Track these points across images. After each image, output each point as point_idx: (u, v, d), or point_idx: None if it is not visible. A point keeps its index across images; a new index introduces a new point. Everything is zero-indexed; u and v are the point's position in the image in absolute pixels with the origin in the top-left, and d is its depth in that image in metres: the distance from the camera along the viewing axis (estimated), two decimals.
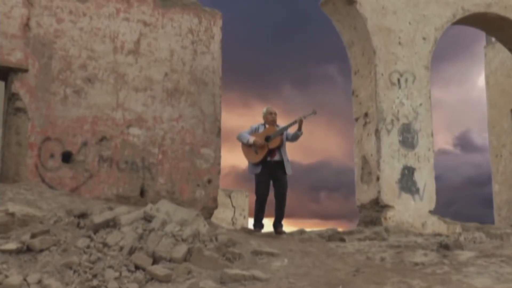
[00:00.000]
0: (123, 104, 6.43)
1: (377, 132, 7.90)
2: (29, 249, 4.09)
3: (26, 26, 5.99)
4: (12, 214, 4.49)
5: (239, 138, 6.48)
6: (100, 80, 6.33)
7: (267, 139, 6.32)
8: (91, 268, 3.90)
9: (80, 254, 4.06)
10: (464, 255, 4.98)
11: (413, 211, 7.88)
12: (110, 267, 3.94)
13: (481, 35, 11.79)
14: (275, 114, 6.60)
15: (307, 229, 7.13)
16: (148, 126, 6.55)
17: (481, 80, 26.80)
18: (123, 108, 6.42)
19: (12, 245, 4.05)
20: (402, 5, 8.27)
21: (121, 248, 4.21)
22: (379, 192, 7.75)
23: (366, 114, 8.20)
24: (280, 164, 6.32)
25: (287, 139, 6.53)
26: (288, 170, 6.35)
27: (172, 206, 4.97)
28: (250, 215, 14.28)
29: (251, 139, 6.36)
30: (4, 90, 6.40)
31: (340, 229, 7.31)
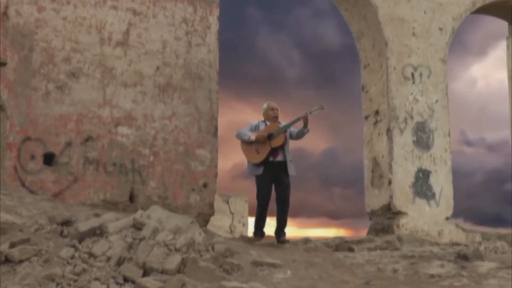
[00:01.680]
0: (111, 100, 6.43)
1: (389, 131, 7.91)
2: (7, 260, 4.08)
3: (4, 15, 5.99)
4: None
5: (239, 135, 6.48)
6: (86, 74, 6.33)
7: (269, 137, 6.32)
8: (75, 281, 3.89)
9: (63, 265, 4.06)
10: (485, 266, 4.98)
11: (428, 218, 7.89)
12: (97, 279, 3.94)
13: (471, 23, 11.76)
14: (277, 109, 6.59)
15: (312, 236, 7.13)
16: (138, 124, 6.55)
17: (472, 74, 26.80)
18: (111, 105, 6.42)
19: None
20: None
21: (109, 259, 4.21)
22: (391, 197, 7.76)
23: (377, 112, 8.22)
24: (283, 164, 6.32)
25: (291, 137, 6.53)
26: (291, 171, 6.34)
27: (164, 212, 4.97)
28: (251, 214, 14.19)
29: (253, 136, 6.36)
30: None
31: (347, 237, 7.31)
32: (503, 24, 9.84)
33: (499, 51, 24.54)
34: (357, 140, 8.65)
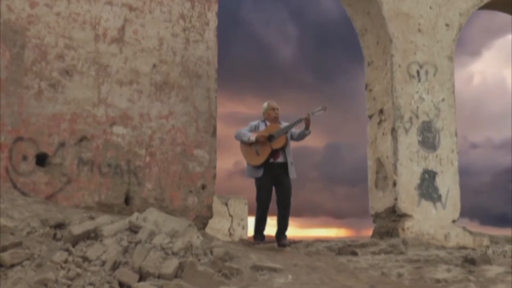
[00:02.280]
0: (106, 99, 6.42)
1: (393, 131, 7.91)
2: None
3: None
4: None
5: (238, 136, 6.49)
6: (80, 72, 6.33)
7: (270, 138, 6.32)
8: (69, 286, 3.89)
9: (56, 270, 4.05)
10: (493, 270, 4.98)
11: (434, 221, 7.89)
12: (91, 284, 3.94)
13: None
14: (278, 109, 6.60)
15: (312, 236, 7.14)
16: (134, 124, 6.55)
17: (467, 72, 26.87)
18: (106, 104, 6.42)
19: None
20: None
21: (103, 263, 4.21)
22: (395, 199, 7.76)
23: (381, 111, 8.22)
24: (284, 166, 6.32)
25: (292, 139, 6.54)
26: (292, 174, 6.35)
27: (161, 215, 4.97)
28: (251, 215, 14.07)
29: (253, 136, 6.36)
30: None
31: (351, 240, 7.31)
32: (498, 22, 9.83)
33: (494, 51, 24.63)
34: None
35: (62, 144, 6.12)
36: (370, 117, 8.48)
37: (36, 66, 6.11)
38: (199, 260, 4.45)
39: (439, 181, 8.02)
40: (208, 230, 7.04)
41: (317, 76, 26.86)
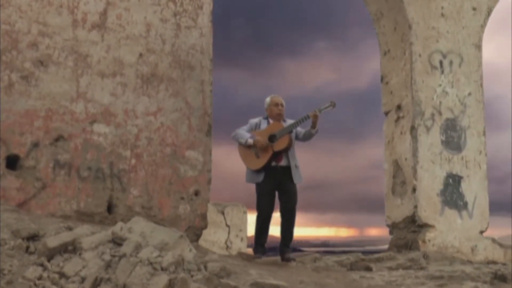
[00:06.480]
0: (85, 93, 6.44)
1: (413, 129, 7.92)
2: None
3: None
4: None
5: (235, 137, 6.50)
6: (56, 62, 6.34)
7: (272, 138, 6.32)
8: None
9: (29, 287, 4.06)
10: None
11: (459, 232, 7.90)
12: None
13: None
14: (282, 105, 6.59)
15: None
16: (118, 122, 6.56)
17: None
18: (85, 98, 6.43)
19: None
20: None
21: (83, 280, 4.21)
22: (415, 207, 7.77)
23: (399, 107, 8.23)
24: (287, 170, 6.33)
25: (297, 138, 6.53)
26: (297, 179, 6.35)
27: (148, 225, 4.97)
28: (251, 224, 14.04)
29: (250, 139, 6.37)
30: None
31: (363, 254, 7.33)
32: None
33: None
34: None
35: (35, 145, 6.13)
36: (386, 113, 8.49)
37: (6, 56, 6.12)
38: (192, 276, 4.45)
39: (465, 187, 8.03)
40: (202, 242, 7.05)
41: None
